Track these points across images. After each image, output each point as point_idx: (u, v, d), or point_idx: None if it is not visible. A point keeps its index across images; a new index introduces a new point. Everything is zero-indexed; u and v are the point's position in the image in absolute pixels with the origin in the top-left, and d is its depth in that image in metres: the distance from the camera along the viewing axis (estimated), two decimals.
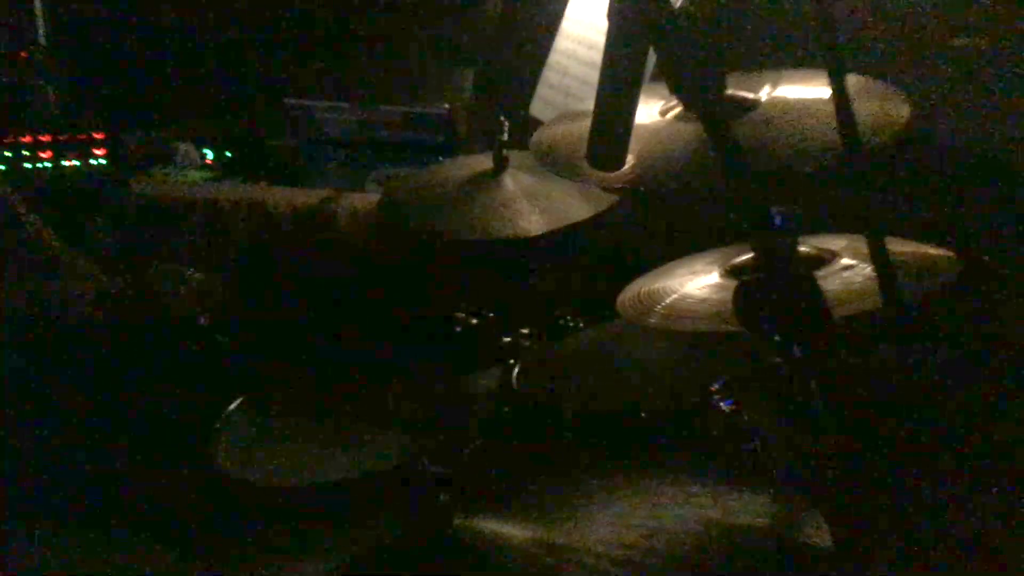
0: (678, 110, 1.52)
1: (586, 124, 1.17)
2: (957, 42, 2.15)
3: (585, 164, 1.20)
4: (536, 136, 1.67)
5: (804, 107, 1.48)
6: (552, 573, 1.40)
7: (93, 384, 2.33)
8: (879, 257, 1.17)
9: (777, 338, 1.53)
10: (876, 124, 1.40)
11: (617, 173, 1.37)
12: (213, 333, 2.33)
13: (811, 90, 1.51)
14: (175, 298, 2.33)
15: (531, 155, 1.65)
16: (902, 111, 1.45)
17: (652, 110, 1.54)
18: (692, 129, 1.44)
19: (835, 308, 1.23)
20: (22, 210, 2.27)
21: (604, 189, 1.93)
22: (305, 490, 1.81)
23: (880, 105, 1.45)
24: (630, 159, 1.41)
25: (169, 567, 2.02)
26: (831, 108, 1.16)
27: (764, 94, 1.53)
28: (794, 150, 1.41)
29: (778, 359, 1.75)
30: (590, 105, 1.17)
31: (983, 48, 2.13)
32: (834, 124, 1.16)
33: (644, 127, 1.50)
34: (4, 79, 2.83)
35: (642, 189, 1.47)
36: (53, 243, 2.33)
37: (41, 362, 2.36)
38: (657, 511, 1.48)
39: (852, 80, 1.44)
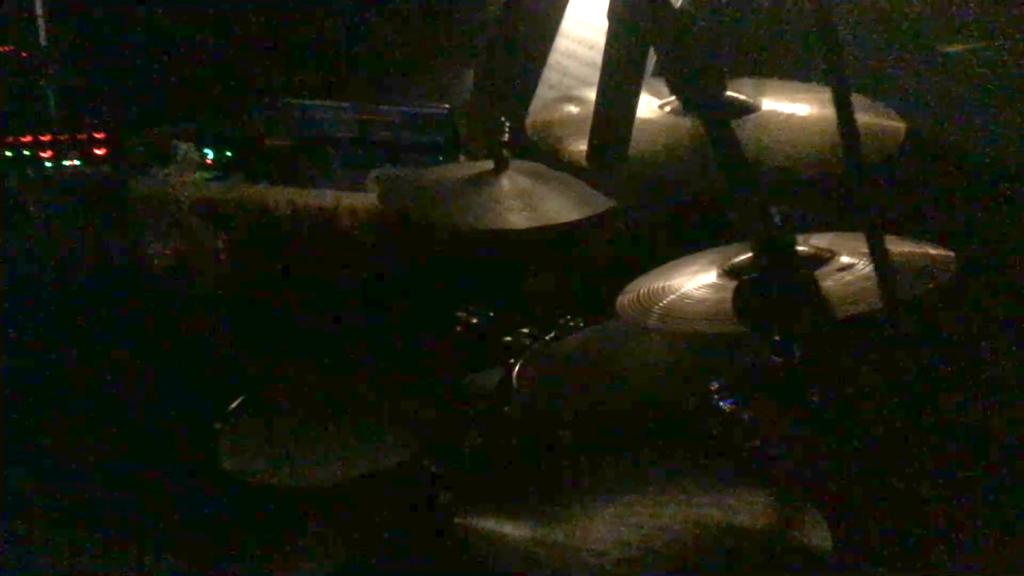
0: (676, 106, 1.51)
1: (585, 110, 1.17)
2: (953, 46, 2.15)
3: (576, 147, 1.19)
4: (533, 116, 1.68)
5: (789, 123, 1.49)
6: (552, 573, 1.40)
7: (88, 375, 2.34)
8: (878, 257, 1.17)
9: (777, 338, 1.54)
10: (872, 138, 1.41)
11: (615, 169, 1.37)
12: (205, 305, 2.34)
13: (795, 106, 1.51)
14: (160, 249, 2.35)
15: (529, 147, 1.66)
16: (897, 132, 1.46)
17: (652, 106, 1.54)
18: (691, 125, 1.44)
19: (834, 308, 1.23)
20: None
21: (602, 190, 1.94)
22: (305, 490, 1.81)
23: (875, 120, 1.46)
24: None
25: (170, 567, 2.02)
26: (814, 126, 1.16)
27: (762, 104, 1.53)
28: (788, 160, 1.42)
29: (778, 359, 1.75)
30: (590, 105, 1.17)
31: (980, 51, 2.13)
32: (817, 144, 1.16)
33: (643, 124, 1.50)
34: (5, 79, 2.83)
35: (640, 186, 1.47)
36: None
37: (37, 353, 2.36)
38: (657, 511, 1.48)
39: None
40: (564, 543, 1.44)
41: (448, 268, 2.37)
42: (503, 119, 2.05)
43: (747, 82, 1.58)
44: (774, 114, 1.52)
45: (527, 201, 1.95)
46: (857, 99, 1.51)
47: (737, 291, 1.20)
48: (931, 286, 1.48)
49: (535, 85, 2.46)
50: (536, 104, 2.42)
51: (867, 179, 1.14)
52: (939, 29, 2.16)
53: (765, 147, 1.44)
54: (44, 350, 2.42)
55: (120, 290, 2.48)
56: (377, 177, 2.55)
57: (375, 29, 2.93)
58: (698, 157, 1.39)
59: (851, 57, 1.39)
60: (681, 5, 1.14)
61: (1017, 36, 2.10)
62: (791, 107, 1.53)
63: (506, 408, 1.96)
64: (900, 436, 1.94)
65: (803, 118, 1.49)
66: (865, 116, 1.45)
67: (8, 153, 2.69)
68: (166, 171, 2.69)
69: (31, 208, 2.59)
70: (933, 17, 2.16)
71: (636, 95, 1.15)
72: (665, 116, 1.52)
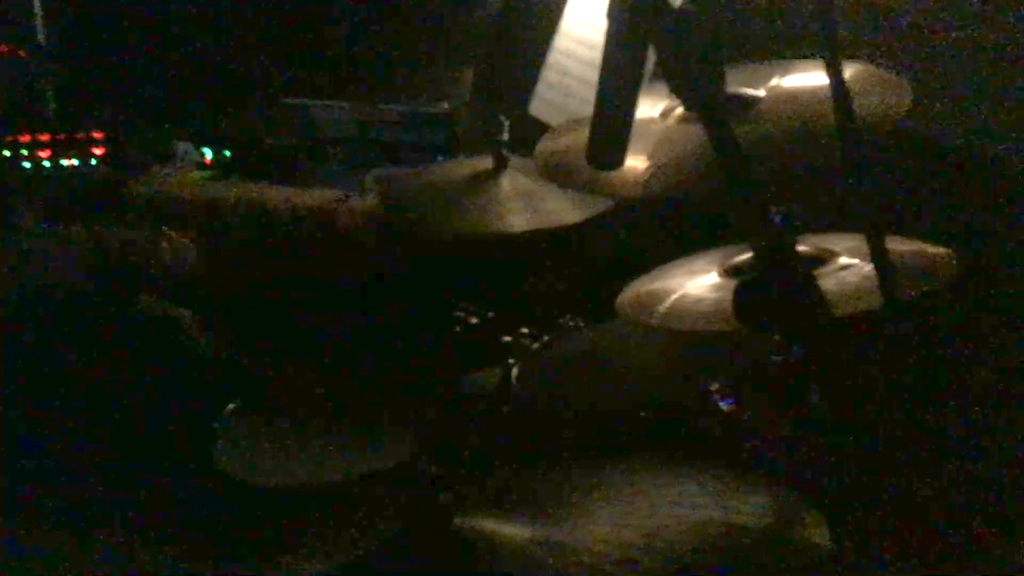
0: (680, 112, 1.51)
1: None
2: (956, 35, 2.15)
3: (592, 175, 1.20)
4: (540, 147, 1.67)
5: (812, 94, 1.47)
6: (552, 573, 1.40)
7: (88, 375, 2.34)
8: (878, 256, 1.17)
9: (777, 337, 1.54)
10: (876, 114, 1.40)
11: (632, 183, 1.37)
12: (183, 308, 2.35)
13: (820, 77, 1.50)
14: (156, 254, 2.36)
15: (535, 164, 1.65)
16: (903, 99, 1.44)
17: (654, 112, 1.53)
18: (700, 131, 1.44)
19: (834, 307, 1.23)
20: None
21: (624, 200, 1.92)
22: (305, 490, 1.81)
23: (881, 95, 1.45)
24: (638, 165, 1.41)
25: (169, 567, 2.02)
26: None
27: (771, 85, 1.52)
28: (799, 139, 1.40)
29: (778, 358, 1.75)
30: (590, 105, 1.17)
31: (983, 42, 2.12)
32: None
33: (653, 132, 1.49)
34: (3, 79, 2.83)
35: (657, 196, 1.46)
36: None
37: (36, 355, 2.36)
38: (657, 511, 1.48)
39: (854, 68, 1.44)
40: (564, 543, 1.44)
41: (448, 268, 2.37)
42: (502, 118, 2.05)
43: (759, 66, 1.57)
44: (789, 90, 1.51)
45: (528, 202, 1.95)
46: (865, 70, 1.50)
47: (737, 291, 1.20)
48: (931, 286, 1.48)
49: (534, 84, 2.46)
50: (536, 109, 2.42)
51: (867, 178, 1.14)
52: (939, 24, 2.16)
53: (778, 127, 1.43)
54: (44, 350, 2.42)
55: (119, 290, 2.48)
56: (377, 177, 2.55)
57: (375, 29, 2.93)
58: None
59: (850, 52, 1.39)
60: (681, 5, 1.14)
61: (1017, 32, 2.10)
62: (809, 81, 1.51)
63: (506, 408, 1.96)
64: (900, 436, 1.94)
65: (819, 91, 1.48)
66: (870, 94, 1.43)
67: (7, 153, 2.69)
68: (165, 171, 2.69)
69: (29, 208, 2.59)
70: (934, 12, 2.16)
71: (636, 95, 1.15)
72: (673, 123, 1.51)
